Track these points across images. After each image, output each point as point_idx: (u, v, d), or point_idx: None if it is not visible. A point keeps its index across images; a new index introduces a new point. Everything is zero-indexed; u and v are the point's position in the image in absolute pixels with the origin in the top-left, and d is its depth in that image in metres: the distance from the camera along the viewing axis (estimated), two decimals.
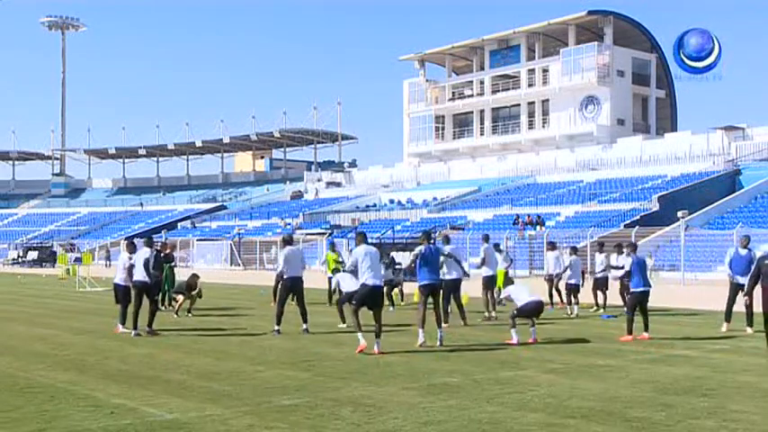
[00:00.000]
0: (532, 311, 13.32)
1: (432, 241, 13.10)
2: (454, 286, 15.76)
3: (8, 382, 9.49)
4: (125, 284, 14.68)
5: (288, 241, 15.17)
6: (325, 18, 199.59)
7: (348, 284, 13.35)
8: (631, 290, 13.97)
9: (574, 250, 19.79)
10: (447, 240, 16.66)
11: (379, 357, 11.35)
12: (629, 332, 13.52)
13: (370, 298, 11.97)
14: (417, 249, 12.87)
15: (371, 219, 61.30)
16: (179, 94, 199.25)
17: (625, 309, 14.96)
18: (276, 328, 14.25)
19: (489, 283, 17.57)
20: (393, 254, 22.73)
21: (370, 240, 13.79)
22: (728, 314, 14.77)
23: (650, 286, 13.92)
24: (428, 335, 12.62)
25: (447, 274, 15.26)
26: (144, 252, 14.49)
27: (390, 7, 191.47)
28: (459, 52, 78.23)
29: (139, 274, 14.25)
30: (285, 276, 14.32)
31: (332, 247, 21.24)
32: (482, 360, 11.32)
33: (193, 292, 18.14)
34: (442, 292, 13.75)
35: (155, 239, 16.48)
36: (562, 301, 19.44)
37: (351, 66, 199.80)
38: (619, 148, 61.00)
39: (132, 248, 14.88)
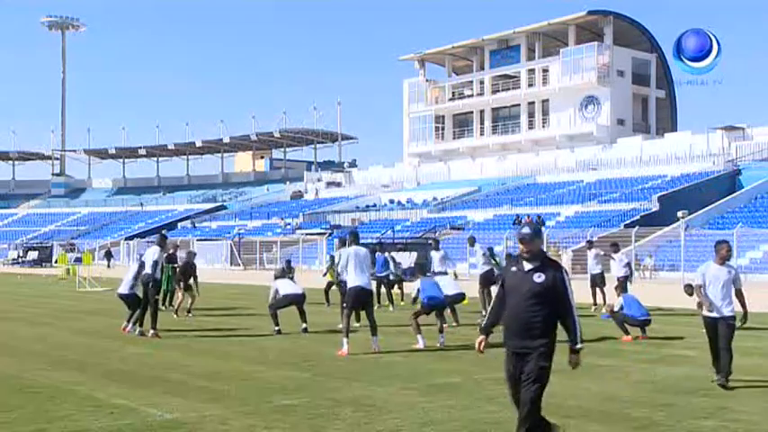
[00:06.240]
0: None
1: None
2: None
3: (8, 382, 9.49)
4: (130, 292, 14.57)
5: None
6: (325, 18, 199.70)
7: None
8: (632, 316, 13.86)
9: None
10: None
11: (379, 357, 11.36)
12: (626, 333, 13.56)
13: (360, 299, 12.08)
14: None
15: (371, 219, 61.22)
16: (179, 94, 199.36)
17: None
18: (276, 328, 14.46)
19: (486, 281, 17.62)
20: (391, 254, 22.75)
21: (370, 240, 13.87)
22: None
23: (649, 315, 13.93)
24: (428, 336, 12.63)
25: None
26: (153, 251, 14.41)
27: (390, 7, 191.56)
28: (459, 52, 78.15)
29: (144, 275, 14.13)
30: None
31: (332, 259, 21.62)
32: (482, 360, 11.28)
33: (190, 282, 18.21)
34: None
35: (167, 237, 16.45)
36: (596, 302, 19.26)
37: (351, 66, 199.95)
38: (619, 148, 60.93)
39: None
